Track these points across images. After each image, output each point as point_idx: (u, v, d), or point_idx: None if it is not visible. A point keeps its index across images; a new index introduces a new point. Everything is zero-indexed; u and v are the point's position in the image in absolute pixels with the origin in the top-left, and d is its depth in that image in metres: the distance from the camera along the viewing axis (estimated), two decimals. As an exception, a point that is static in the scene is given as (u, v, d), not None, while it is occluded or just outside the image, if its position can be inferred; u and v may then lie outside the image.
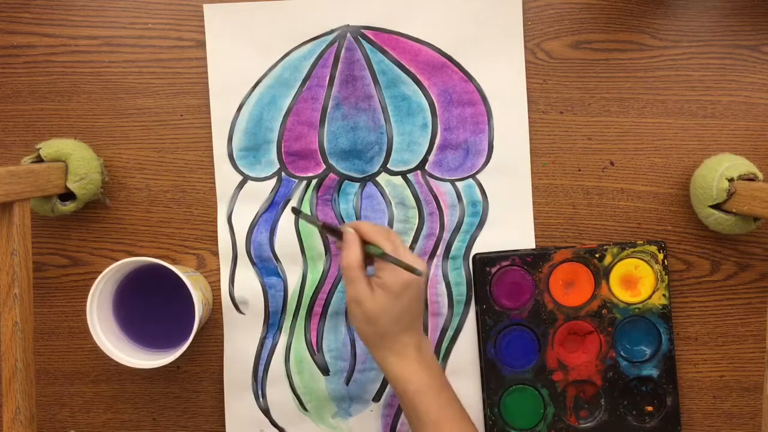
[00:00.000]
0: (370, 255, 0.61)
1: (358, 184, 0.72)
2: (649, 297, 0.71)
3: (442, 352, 0.72)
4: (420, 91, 0.72)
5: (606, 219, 0.73)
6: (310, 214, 0.71)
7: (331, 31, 0.72)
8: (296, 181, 0.72)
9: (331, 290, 0.72)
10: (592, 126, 0.73)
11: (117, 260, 0.66)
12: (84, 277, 0.73)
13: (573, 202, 0.73)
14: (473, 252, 0.72)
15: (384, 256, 0.60)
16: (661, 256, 0.71)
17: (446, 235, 0.72)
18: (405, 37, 0.72)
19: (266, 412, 0.72)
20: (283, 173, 0.72)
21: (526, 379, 0.72)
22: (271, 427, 0.72)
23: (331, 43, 0.72)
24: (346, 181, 0.72)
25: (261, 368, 0.72)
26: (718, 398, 0.73)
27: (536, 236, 0.73)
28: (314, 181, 0.72)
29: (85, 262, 0.73)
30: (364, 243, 0.62)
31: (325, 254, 0.72)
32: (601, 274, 0.71)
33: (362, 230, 0.62)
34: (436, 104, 0.72)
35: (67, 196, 0.69)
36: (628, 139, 0.73)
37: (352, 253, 0.61)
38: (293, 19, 0.72)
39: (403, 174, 0.72)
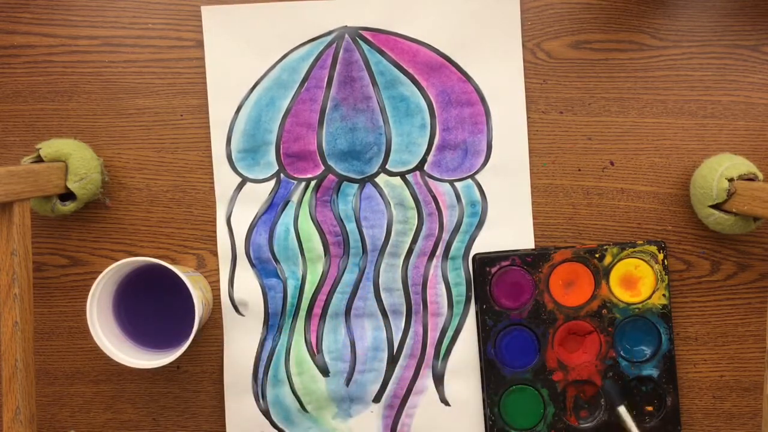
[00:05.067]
0: None
1: (357, 185, 0.72)
2: (649, 297, 0.71)
3: (442, 352, 0.72)
4: (418, 92, 0.72)
5: (606, 219, 0.73)
6: None
7: (329, 33, 0.72)
8: (295, 182, 0.72)
9: (330, 291, 0.72)
10: (592, 126, 0.73)
11: (117, 260, 0.66)
12: (84, 277, 0.73)
13: (573, 202, 0.73)
14: (472, 252, 0.72)
15: None
16: (661, 256, 0.71)
17: (445, 236, 0.72)
18: (403, 37, 0.72)
19: (266, 413, 0.72)
20: (281, 175, 0.72)
21: (526, 379, 0.72)
22: (272, 428, 0.72)
23: (329, 45, 0.72)
24: (345, 182, 0.72)
25: (261, 369, 0.72)
26: (718, 398, 0.73)
27: (536, 236, 0.73)
28: (313, 183, 0.72)
29: (85, 262, 0.73)
30: None
31: (325, 256, 0.72)
32: (601, 274, 0.71)
33: None
34: (434, 105, 0.72)
35: (67, 196, 0.69)
36: (628, 139, 0.73)
37: None
38: (291, 21, 0.72)
39: (402, 175, 0.72)
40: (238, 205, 0.72)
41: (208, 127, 0.72)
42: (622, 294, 0.72)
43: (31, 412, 0.61)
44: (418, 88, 0.72)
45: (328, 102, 0.72)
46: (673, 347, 0.71)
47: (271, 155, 0.72)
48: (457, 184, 0.72)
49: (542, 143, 0.73)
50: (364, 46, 0.72)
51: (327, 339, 0.73)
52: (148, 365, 0.65)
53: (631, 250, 0.71)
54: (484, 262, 0.72)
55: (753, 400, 0.73)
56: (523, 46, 0.72)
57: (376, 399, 0.73)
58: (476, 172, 0.72)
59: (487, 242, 0.72)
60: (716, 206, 0.68)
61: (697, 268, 0.73)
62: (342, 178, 0.72)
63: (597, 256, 0.71)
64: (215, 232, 0.73)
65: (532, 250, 0.72)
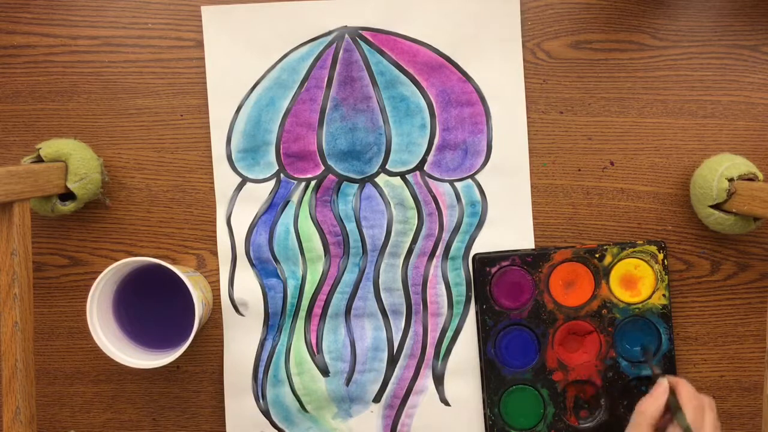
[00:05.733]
0: (674, 414, 0.61)
1: (357, 185, 0.72)
2: (649, 297, 0.71)
3: (442, 352, 0.72)
4: (418, 92, 0.72)
5: (606, 219, 0.73)
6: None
7: (329, 33, 0.72)
8: (295, 182, 0.72)
9: (330, 291, 0.72)
10: (592, 126, 0.73)
11: (117, 260, 0.66)
12: (84, 277, 0.73)
13: (573, 202, 0.73)
14: (472, 252, 0.72)
15: (686, 430, 0.59)
16: (661, 256, 0.71)
17: (445, 236, 0.72)
18: (403, 37, 0.72)
19: (266, 413, 0.72)
20: (281, 175, 0.72)
21: (526, 379, 0.72)
22: (272, 428, 0.72)
23: (329, 45, 0.72)
24: (345, 182, 0.72)
25: (261, 369, 0.72)
26: (718, 398, 0.73)
27: (536, 236, 0.73)
28: (313, 183, 0.72)
29: (85, 262, 0.73)
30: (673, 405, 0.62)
31: (324, 256, 0.72)
32: (601, 274, 0.71)
33: (679, 390, 0.62)
34: (434, 105, 0.72)
35: (67, 196, 0.69)
36: (628, 139, 0.72)
37: (654, 404, 0.62)
38: (291, 21, 0.71)
39: (402, 175, 0.72)
40: (238, 205, 0.72)
41: (208, 127, 0.72)
42: (622, 294, 0.71)
43: (31, 412, 0.61)
44: (418, 88, 0.72)
45: (328, 102, 0.72)
46: (673, 347, 0.71)
47: (271, 155, 0.72)
48: (457, 184, 0.72)
49: (542, 143, 0.72)
50: (364, 46, 0.72)
51: (327, 339, 0.73)
52: (148, 365, 0.65)
53: (631, 250, 0.71)
54: (484, 262, 0.72)
55: (753, 400, 0.73)
56: (523, 46, 0.72)
57: (376, 399, 0.73)
58: (476, 172, 0.72)
59: (487, 242, 0.72)
60: (716, 206, 0.68)
61: (697, 268, 0.73)
62: (342, 178, 0.72)
63: (597, 256, 0.71)
64: (215, 232, 0.73)
65: (532, 250, 0.72)
